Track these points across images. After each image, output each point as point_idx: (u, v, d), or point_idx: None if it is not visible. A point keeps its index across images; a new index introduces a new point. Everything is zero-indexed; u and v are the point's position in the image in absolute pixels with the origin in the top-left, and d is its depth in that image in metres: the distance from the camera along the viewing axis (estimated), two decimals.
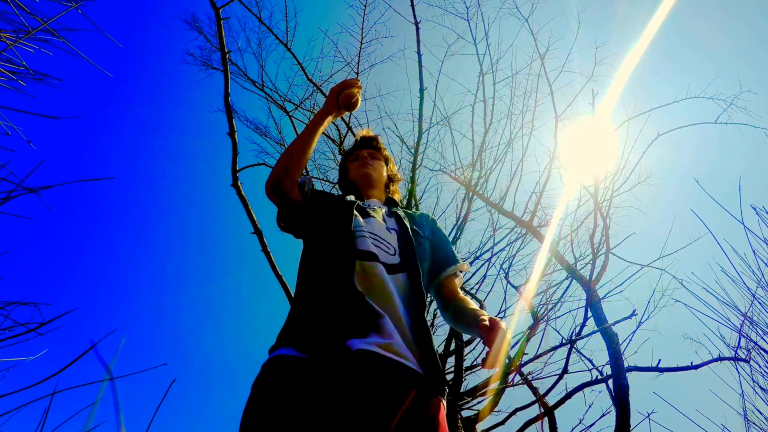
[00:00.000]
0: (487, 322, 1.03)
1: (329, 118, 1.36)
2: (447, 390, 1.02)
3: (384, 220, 1.28)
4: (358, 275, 1.06)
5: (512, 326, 5.05)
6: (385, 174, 1.51)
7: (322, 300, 1.04)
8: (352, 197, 1.35)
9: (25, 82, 1.08)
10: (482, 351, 5.30)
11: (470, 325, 1.16)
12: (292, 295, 4.11)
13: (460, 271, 1.35)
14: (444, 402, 0.99)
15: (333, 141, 6.19)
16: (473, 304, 1.22)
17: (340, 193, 1.53)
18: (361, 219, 1.23)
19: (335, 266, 1.09)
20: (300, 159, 1.26)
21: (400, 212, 1.35)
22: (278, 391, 0.90)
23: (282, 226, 1.29)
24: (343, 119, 5.77)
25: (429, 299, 1.28)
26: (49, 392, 0.81)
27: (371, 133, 1.58)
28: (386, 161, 1.55)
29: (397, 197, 1.53)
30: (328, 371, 0.91)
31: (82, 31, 1.13)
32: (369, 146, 1.54)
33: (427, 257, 1.28)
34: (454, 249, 1.38)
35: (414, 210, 1.51)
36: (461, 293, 1.30)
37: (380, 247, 1.16)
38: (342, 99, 1.37)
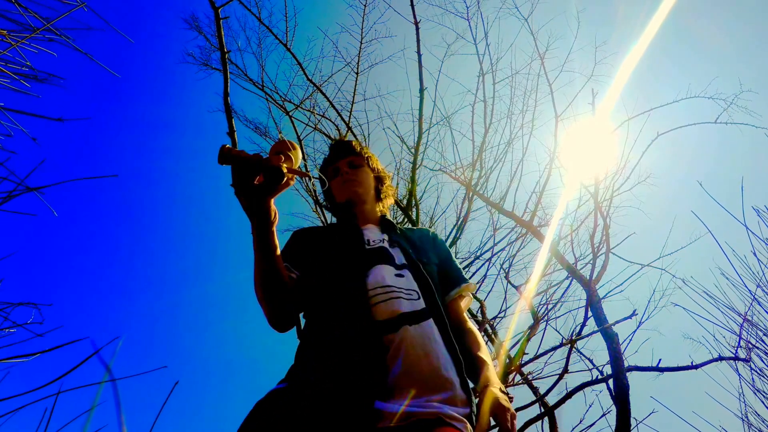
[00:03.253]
0: (490, 404, 0.94)
1: (271, 230, 0.99)
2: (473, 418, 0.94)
3: (390, 262, 1.13)
4: (390, 350, 0.94)
5: (512, 326, 5.06)
6: (372, 180, 1.36)
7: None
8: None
9: (29, 82, 1.08)
10: None
11: (472, 379, 1.05)
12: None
13: (467, 292, 1.23)
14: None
15: (333, 141, 6.18)
16: (483, 349, 1.11)
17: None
18: (369, 277, 1.07)
19: (360, 347, 0.95)
20: (271, 290, 1.03)
21: (401, 240, 1.23)
22: (281, 412, 0.85)
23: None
24: (342, 119, 5.77)
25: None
26: (51, 394, 0.81)
27: (343, 138, 1.44)
28: (368, 162, 1.37)
29: (390, 201, 1.41)
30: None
31: (82, 31, 1.13)
32: (346, 154, 1.36)
33: (437, 283, 1.16)
34: (459, 266, 1.28)
35: (408, 226, 1.38)
36: (469, 323, 1.18)
37: (401, 297, 1.03)
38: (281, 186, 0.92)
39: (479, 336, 1.15)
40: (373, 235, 1.23)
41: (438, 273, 1.20)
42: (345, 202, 1.32)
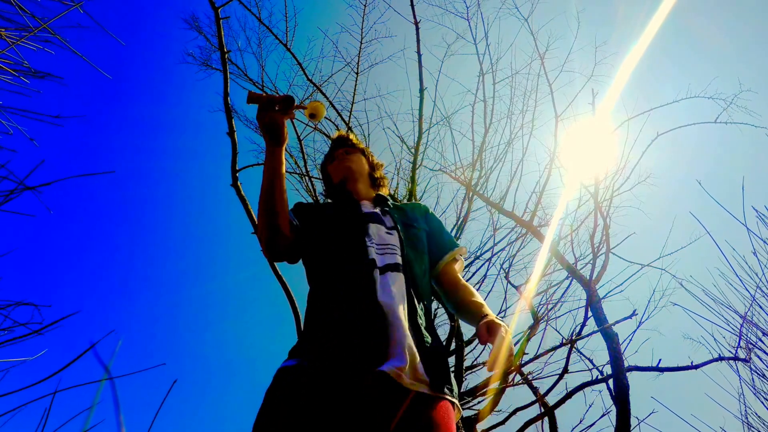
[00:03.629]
0: (485, 326, 1.05)
1: (280, 150, 1.21)
2: (453, 391, 1.02)
3: (381, 223, 1.27)
4: (378, 287, 1.07)
5: (512, 326, 5.05)
6: (366, 165, 1.48)
7: (343, 317, 1.04)
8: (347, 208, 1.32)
9: (27, 80, 1.08)
10: (482, 351, 5.31)
11: (471, 321, 1.18)
12: (292, 295, 4.13)
13: (460, 255, 1.34)
14: (450, 403, 0.99)
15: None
16: (476, 295, 1.23)
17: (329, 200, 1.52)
18: (367, 234, 1.21)
19: (354, 281, 1.09)
20: (276, 214, 1.17)
21: (392, 210, 1.34)
22: (290, 397, 0.92)
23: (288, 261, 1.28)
24: (342, 119, 5.78)
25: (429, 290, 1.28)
26: (49, 392, 0.81)
27: (341, 132, 1.57)
28: (363, 152, 1.51)
29: (384, 191, 1.50)
30: (341, 387, 0.93)
31: (83, 31, 1.13)
32: (342, 144, 1.50)
33: (425, 249, 1.28)
34: (450, 234, 1.39)
35: (406, 202, 1.49)
36: (463, 281, 1.30)
37: (386, 252, 1.17)
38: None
39: (473, 289, 1.28)
40: (366, 207, 1.35)
41: (429, 240, 1.32)
42: (340, 181, 1.43)
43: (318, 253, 1.21)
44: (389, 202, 1.39)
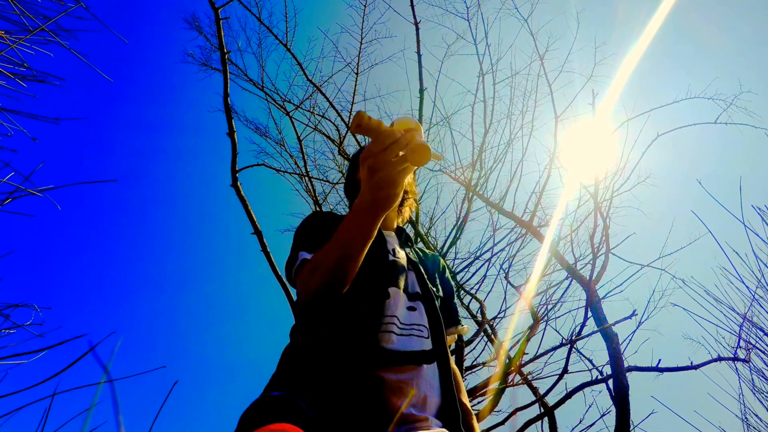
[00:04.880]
0: None
1: (382, 216, 0.86)
2: None
3: (405, 287, 1.06)
4: (386, 389, 0.86)
5: (512, 326, 5.06)
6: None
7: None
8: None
9: (26, 82, 1.08)
10: (482, 350, 5.31)
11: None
12: (293, 296, 4.12)
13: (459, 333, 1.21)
14: None
15: (333, 141, 6.19)
16: (462, 391, 1.10)
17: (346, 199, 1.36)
18: (389, 300, 0.99)
19: (360, 377, 0.87)
20: (346, 281, 0.92)
21: (417, 262, 1.15)
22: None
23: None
24: (342, 119, 5.78)
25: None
26: (49, 393, 0.81)
27: None
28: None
29: (407, 211, 1.31)
30: None
31: (84, 31, 1.13)
32: None
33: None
34: (457, 306, 1.25)
35: (420, 246, 1.28)
36: (452, 361, 1.10)
37: (412, 335, 0.97)
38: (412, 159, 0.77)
39: (460, 377, 1.13)
40: (394, 244, 1.16)
41: (441, 306, 1.16)
42: None
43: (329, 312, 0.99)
44: (414, 247, 1.24)
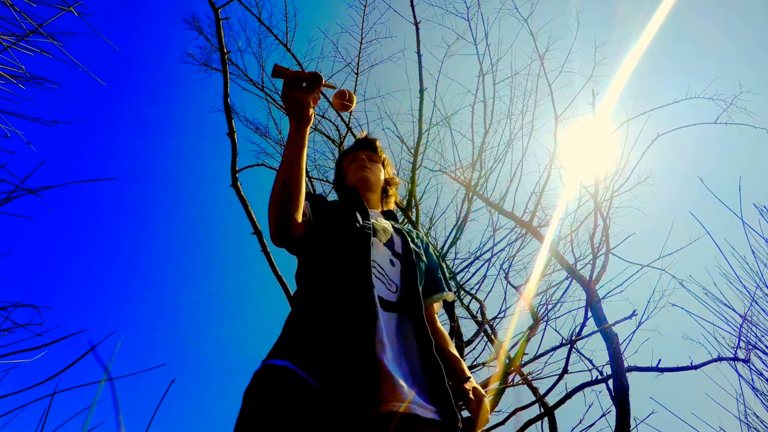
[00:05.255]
0: (471, 392, 1.08)
1: (305, 130, 1.11)
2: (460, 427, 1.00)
3: (389, 244, 1.21)
4: (380, 325, 0.99)
5: (512, 326, 5.06)
6: (382, 177, 1.47)
7: (335, 338, 0.95)
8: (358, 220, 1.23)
9: (24, 85, 1.08)
10: (483, 350, 5.31)
11: (450, 375, 1.15)
12: (292, 295, 4.12)
13: (445, 299, 1.33)
14: None
15: (333, 141, 6.19)
16: (452, 346, 1.24)
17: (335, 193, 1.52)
18: (373, 249, 1.14)
19: (353, 315, 0.99)
20: (293, 200, 1.08)
21: (402, 229, 1.31)
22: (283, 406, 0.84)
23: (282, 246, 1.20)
24: (342, 119, 5.78)
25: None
26: (49, 393, 0.81)
27: (369, 136, 1.55)
28: (384, 164, 1.51)
29: (392, 201, 1.51)
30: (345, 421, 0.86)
31: (83, 30, 1.13)
32: (368, 148, 1.49)
33: (422, 281, 1.25)
34: (442, 275, 1.36)
35: (408, 226, 1.46)
36: (439, 325, 1.30)
37: (381, 281, 1.10)
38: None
39: (447, 335, 1.28)
40: (376, 216, 1.32)
41: (426, 273, 1.29)
42: (354, 185, 1.41)
43: (321, 262, 1.14)
44: (398, 223, 1.38)
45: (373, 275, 1.07)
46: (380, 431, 0.87)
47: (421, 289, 1.17)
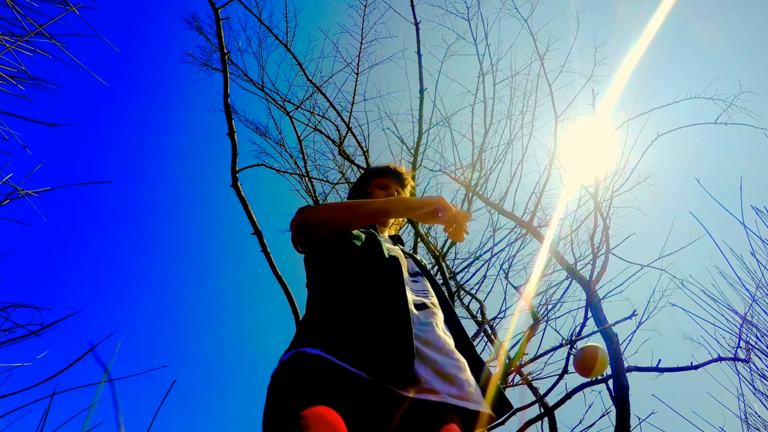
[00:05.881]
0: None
1: (414, 213, 1.27)
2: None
3: (407, 268, 1.23)
4: (417, 332, 1.00)
5: (512, 326, 5.06)
6: None
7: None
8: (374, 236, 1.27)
9: (24, 86, 1.08)
10: (482, 352, 5.30)
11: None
12: (292, 296, 4.12)
13: None
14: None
15: (333, 141, 6.19)
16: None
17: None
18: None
19: (392, 315, 0.99)
20: (347, 228, 1.21)
21: (410, 254, 1.35)
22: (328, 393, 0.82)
23: (300, 244, 1.26)
24: (342, 120, 5.78)
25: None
26: (49, 393, 0.81)
27: (404, 170, 1.60)
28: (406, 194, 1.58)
29: (397, 227, 1.58)
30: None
31: (83, 30, 1.13)
32: (400, 182, 1.55)
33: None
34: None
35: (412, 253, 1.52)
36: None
37: (410, 289, 1.14)
38: (456, 222, 1.31)
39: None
40: (388, 243, 1.34)
41: None
42: None
43: (345, 267, 1.14)
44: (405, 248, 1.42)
45: (408, 289, 1.10)
46: (416, 416, 0.86)
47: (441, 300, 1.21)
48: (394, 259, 1.14)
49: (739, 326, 1.85)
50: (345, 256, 1.16)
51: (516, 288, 5.17)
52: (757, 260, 1.79)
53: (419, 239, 5.14)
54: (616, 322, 4.20)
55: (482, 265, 5.64)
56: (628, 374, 3.81)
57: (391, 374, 0.87)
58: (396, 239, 1.45)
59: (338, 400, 0.80)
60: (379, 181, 1.54)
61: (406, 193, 1.57)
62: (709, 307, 1.84)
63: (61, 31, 1.10)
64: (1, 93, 1.08)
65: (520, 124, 5.66)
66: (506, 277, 5.35)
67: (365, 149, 5.91)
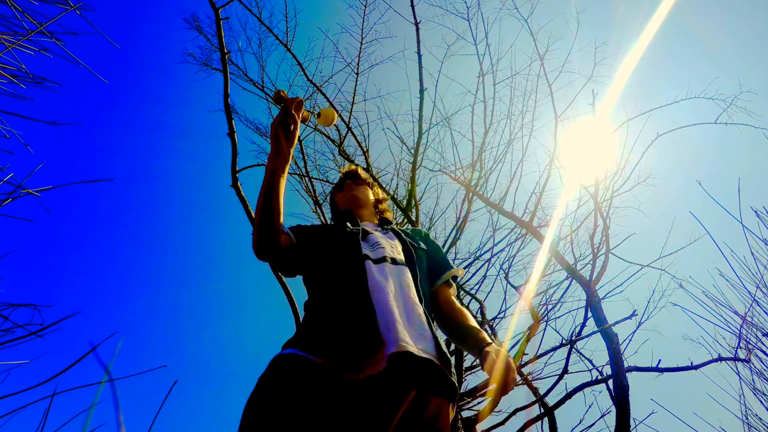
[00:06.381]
0: (492, 354, 1.05)
1: (284, 160, 1.19)
2: (455, 392, 1.05)
3: (382, 235, 1.33)
4: (371, 276, 1.11)
5: (512, 326, 5.06)
6: (371, 197, 1.56)
7: (338, 311, 1.07)
8: (348, 224, 1.36)
9: (25, 85, 1.08)
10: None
11: (471, 347, 1.19)
12: (292, 296, 4.12)
13: (455, 277, 1.38)
14: (448, 404, 1.02)
15: (333, 141, 6.19)
16: (472, 320, 1.25)
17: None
18: (364, 241, 1.26)
19: (348, 276, 1.13)
20: (272, 221, 1.18)
21: (396, 228, 1.41)
22: (292, 385, 0.91)
23: (279, 272, 1.32)
24: (343, 120, 5.77)
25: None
26: (49, 394, 0.81)
27: (352, 167, 1.64)
28: (371, 186, 1.60)
29: (388, 216, 1.58)
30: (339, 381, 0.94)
31: (83, 30, 1.13)
32: (351, 177, 1.58)
33: (424, 267, 1.31)
34: (447, 256, 1.44)
35: (407, 225, 1.52)
36: (457, 303, 1.32)
37: (385, 248, 1.22)
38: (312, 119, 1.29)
39: (467, 312, 1.30)
40: (368, 226, 1.40)
41: (427, 261, 1.35)
42: (345, 208, 1.50)
43: (315, 262, 1.25)
44: (392, 225, 1.46)
45: (366, 248, 1.20)
46: (376, 393, 0.94)
47: (416, 258, 1.27)
48: (351, 242, 1.22)
49: (739, 326, 1.85)
50: (310, 259, 1.26)
51: (516, 288, 5.17)
52: (757, 261, 1.79)
53: None
54: (616, 322, 4.21)
55: (482, 265, 5.64)
56: (628, 374, 3.81)
57: (348, 362, 0.96)
58: (383, 221, 1.49)
59: (301, 388, 0.90)
60: (337, 188, 1.59)
61: (367, 179, 1.59)
62: (709, 307, 1.84)
63: (61, 31, 1.10)
64: (1, 92, 1.08)
65: (520, 124, 5.67)
66: (506, 277, 5.35)
67: (365, 149, 5.91)
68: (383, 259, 1.18)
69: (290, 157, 1.19)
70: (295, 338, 1.05)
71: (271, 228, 1.17)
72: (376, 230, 1.36)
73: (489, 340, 1.14)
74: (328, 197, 1.70)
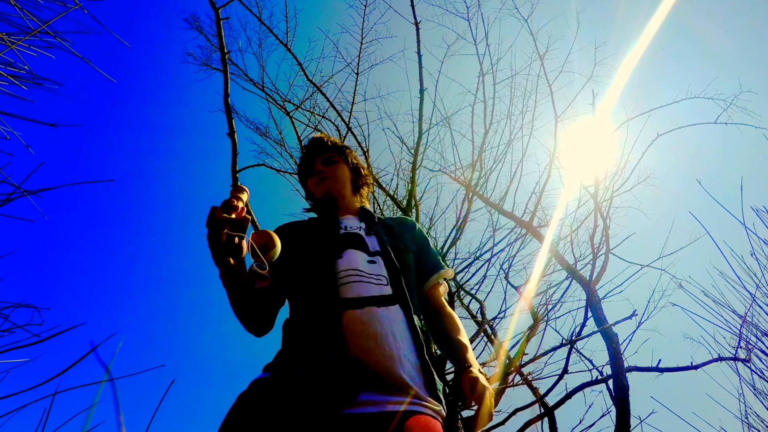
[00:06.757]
0: (469, 382, 1.01)
1: (230, 277, 0.99)
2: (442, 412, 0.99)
3: (362, 248, 1.17)
4: (347, 328, 0.97)
5: (512, 326, 5.06)
6: (347, 173, 1.37)
7: (309, 362, 0.96)
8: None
9: (26, 85, 1.08)
10: (482, 351, 5.30)
11: (452, 361, 1.13)
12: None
13: (445, 279, 1.29)
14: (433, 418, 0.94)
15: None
16: (461, 333, 1.18)
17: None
18: (341, 259, 1.11)
19: (322, 322, 1.00)
20: (249, 321, 1.10)
21: (379, 228, 1.26)
22: (260, 403, 0.89)
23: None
24: (342, 120, 5.78)
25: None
26: (49, 393, 0.81)
27: (317, 135, 1.44)
28: (341, 154, 1.39)
29: (365, 193, 1.42)
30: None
31: (84, 33, 1.13)
32: (319, 152, 1.38)
33: (412, 270, 1.21)
34: (438, 255, 1.32)
35: (398, 214, 1.43)
36: (448, 308, 1.25)
37: (371, 282, 1.07)
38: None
39: (457, 320, 1.22)
40: (350, 222, 1.26)
41: (415, 260, 1.25)
42: (323, 198, 1.34)
43: (291, 283, 1.15)
44: (375, 218, 1.32)
45: (347, 281, 1.05)
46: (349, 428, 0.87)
47: (405, 279, 1.13)
48: (329, 267, 1.08)
49: (739, 326, 1.85)
50: (287, 287, 1.17)
51: (516, 288, 5.18)
52: (758, 261, 1.79)
53: None
54: (616, 322, 4.21)
55: (482, 265, 5.64)
56: (628, 374, 3.81)
57: (317, 395, 0.90)
58: (363, 214, 1.33)
59: (266, 415, 0.86)
60: (307, 170, 1.40)
61: (350, 158, 1.40)
62: (709, 307, 1.84)
63: (64, 30, 1.10)
64: (1, 93, 1.08)
65: (520, 124, 5.67)
66: (506, 277, 5.35)
67: (365, 149, 5.91)
68: (367, 301, 1.02)
69: (242, 268, 0.97)
70: (269, 364, 1.01)
71: (252, 324, 1.10)
72: (359, 230, 1.22)
73: (470, 361, 1.08)
74: (299, 179, 1.46)
